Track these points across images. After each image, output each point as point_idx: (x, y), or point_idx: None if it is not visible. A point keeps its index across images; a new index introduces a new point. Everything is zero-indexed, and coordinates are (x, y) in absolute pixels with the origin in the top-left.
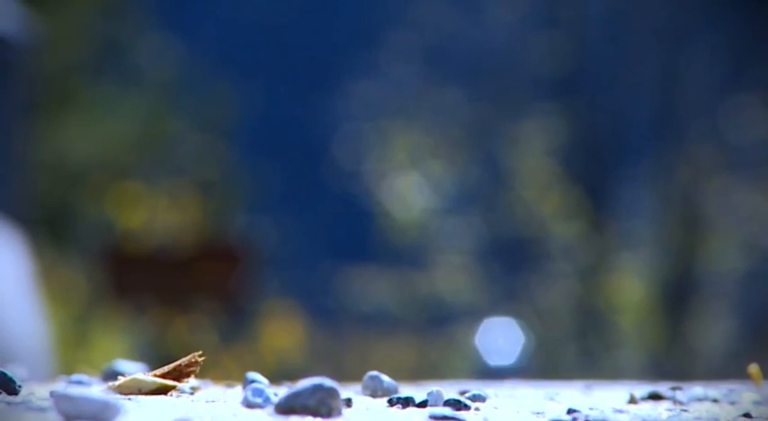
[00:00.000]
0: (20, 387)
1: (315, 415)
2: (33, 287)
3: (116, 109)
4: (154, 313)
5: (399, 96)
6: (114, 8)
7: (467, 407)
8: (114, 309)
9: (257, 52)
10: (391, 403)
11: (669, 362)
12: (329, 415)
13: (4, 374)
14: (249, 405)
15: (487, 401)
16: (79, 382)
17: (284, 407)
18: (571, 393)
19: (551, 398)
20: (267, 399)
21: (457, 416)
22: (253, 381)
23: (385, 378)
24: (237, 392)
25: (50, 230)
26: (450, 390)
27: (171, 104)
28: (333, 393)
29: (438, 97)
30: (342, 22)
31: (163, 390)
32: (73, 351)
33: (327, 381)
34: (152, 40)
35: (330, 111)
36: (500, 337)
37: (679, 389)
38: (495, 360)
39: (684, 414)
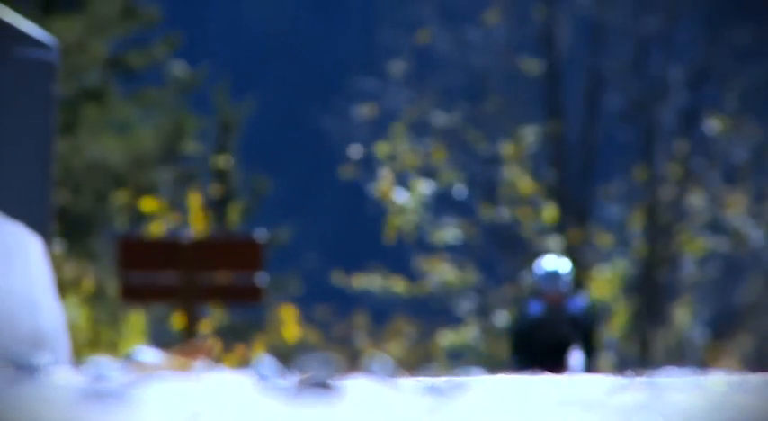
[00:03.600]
0: (47, 370)
1: (319, 392)
2: (55, 287)
3: (134, 123)
4: (170, 306)
5: (398, 111)
6: (133, 31)
7: (457, 393)
8: (131, 304)
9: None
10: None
11: (644, 356)
12: (332, 393)
13: (32, 359)
14: (260, 386)
15: (476, 387)
16: (101, 365)
17: (292, 387)
18: (554, 382)
19: (535, 384)
20: (276, 381)
21: (447, 400)
22: (263, 365)
23: (383, 365)
24: (249, 375)
25: (72, 235)
26: (442, 379)
27: (186, 115)
28: (335, 375)
29: (431, 115)
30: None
31: (179, 372)
32: (93, 344)
33: (330, 363)
34: (170, 60)
35: (333, 124)
36: (555, 259)
37: (653, 378)
38: (552, 267)
39: (659, 399)
